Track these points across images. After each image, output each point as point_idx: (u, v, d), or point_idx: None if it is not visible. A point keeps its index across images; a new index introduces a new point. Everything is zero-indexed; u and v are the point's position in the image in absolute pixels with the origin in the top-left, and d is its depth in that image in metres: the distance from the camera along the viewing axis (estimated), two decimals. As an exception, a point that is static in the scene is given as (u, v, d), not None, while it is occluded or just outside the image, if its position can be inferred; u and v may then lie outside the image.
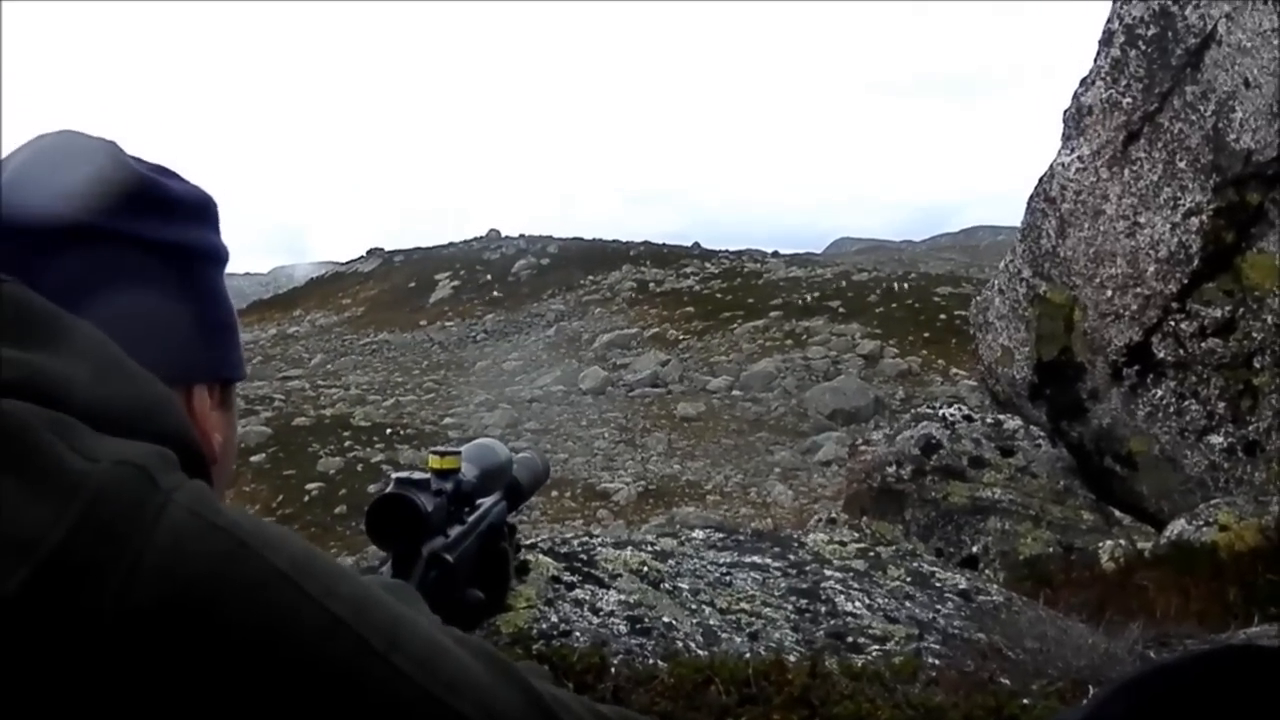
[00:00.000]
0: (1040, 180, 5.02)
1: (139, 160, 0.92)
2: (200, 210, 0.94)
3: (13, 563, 0.62)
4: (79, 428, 0.71)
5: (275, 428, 20.28)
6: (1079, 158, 4.73)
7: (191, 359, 0.92)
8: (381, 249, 41.99)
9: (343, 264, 44.10)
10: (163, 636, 0.64)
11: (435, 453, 1.40)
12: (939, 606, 2.37)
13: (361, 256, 42.52)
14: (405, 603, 1.20)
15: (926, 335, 24.34)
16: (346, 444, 19.24)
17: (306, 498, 17.30)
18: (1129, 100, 4.67)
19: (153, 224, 0.88)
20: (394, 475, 1.30)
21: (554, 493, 16.09)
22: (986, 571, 3.48)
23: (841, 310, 26.42)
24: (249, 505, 15.63)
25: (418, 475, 1.31)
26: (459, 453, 1.45)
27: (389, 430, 20.03)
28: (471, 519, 1.53)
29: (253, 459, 18.49)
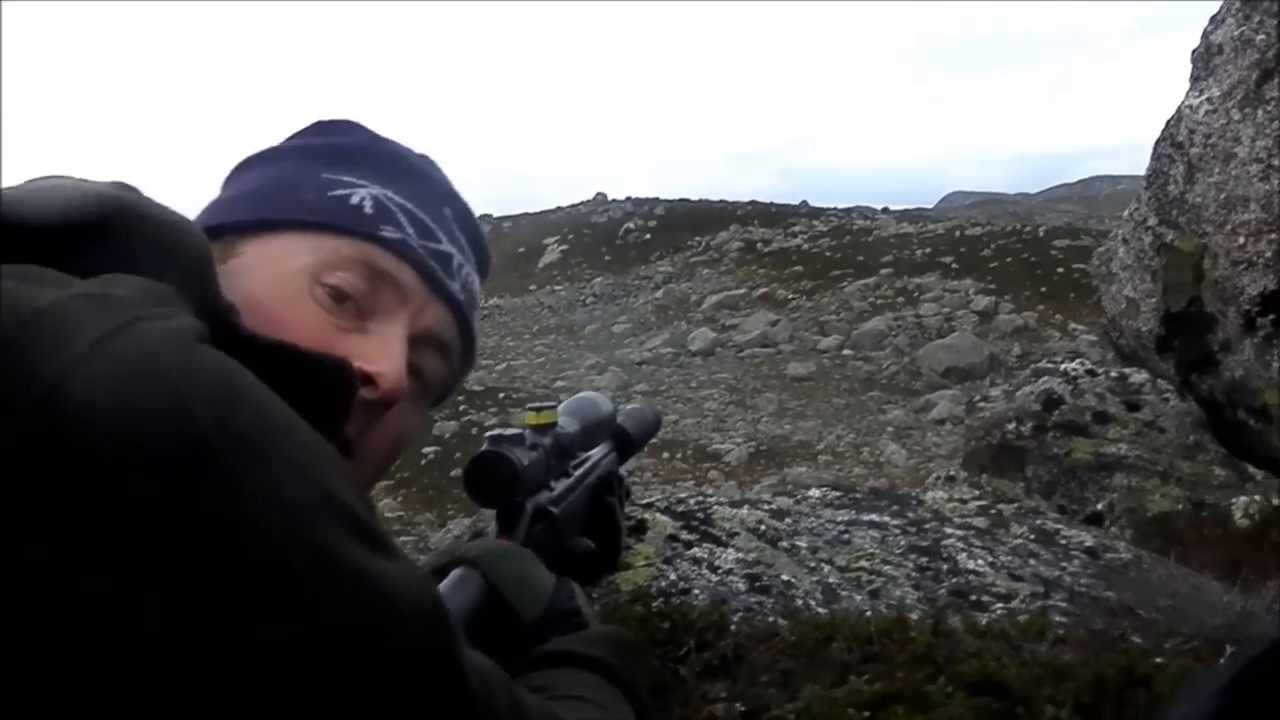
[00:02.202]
0: (1166, 125, 4.82)
1: None
2: None
3: None
4: (61, 277, 0.67)
5: (392, 393, 20.66)
6: (1208, 100, 4.52)
7: None
8: (490, 215, 42.40)
9: (453, 231, 44.37)
10: (31, 488, 0.57)
11: (531, 408, 1.40)
12: (1064, 564, 2.31)
13: (471, 223, 42.71)
14: (507, 561, 1.20)
15: (1043, 290, 23.70)
16: (461, 408, 19.54)
17: (423, 461, 17.64)
18: (1263, 37, 4.44)
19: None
20: (489, 433, 1.30)
21: (665, 454, 16.15)
22: (1112, 529, 3.39)
23: (954, 266, 25.88)
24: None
25: (512, 431, 1.31)
26: (554, 407, 1.45)
27: (501, 394, 20.29)
28: (578, 472, 1.53)
29: (371, 424, 18.91)
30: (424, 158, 1.16)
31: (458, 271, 1.09)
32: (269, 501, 0.62)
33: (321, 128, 1.14)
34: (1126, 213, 5.02)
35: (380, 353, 0.99)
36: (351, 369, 0.92)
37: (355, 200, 1.04)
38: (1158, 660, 1.63)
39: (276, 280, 0.98)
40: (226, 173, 1.14)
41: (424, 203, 1.08)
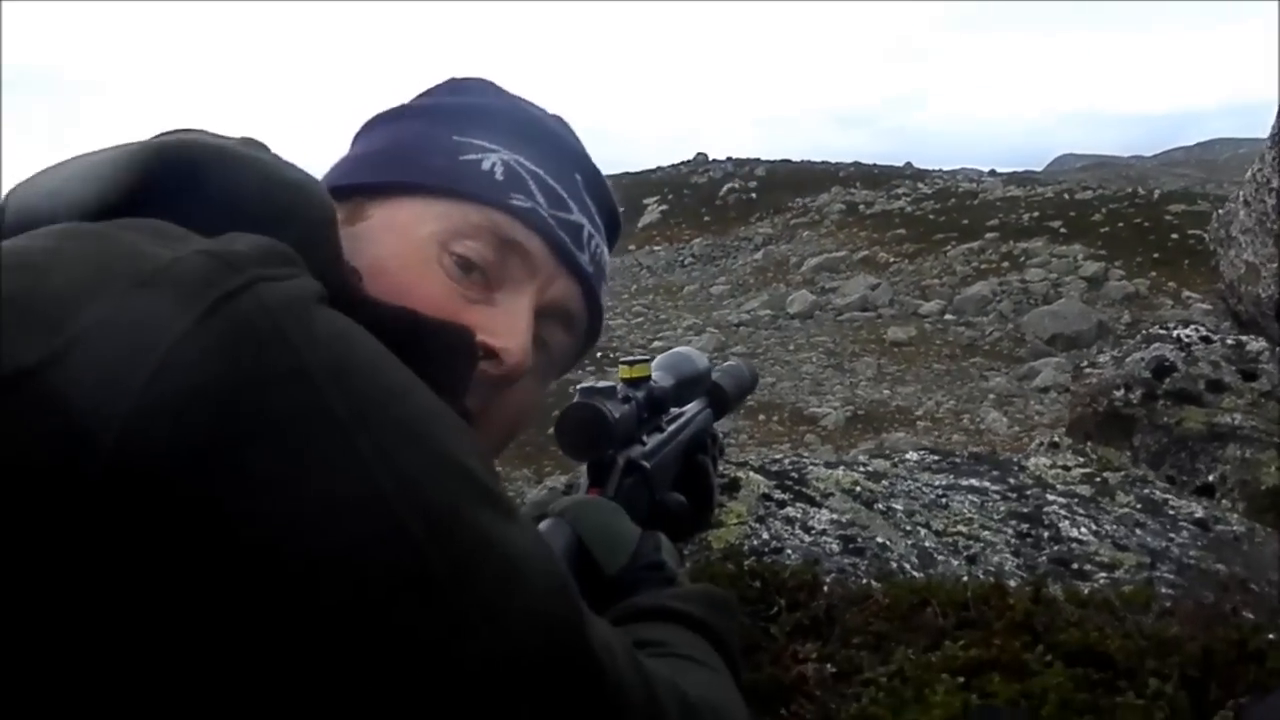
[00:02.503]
0: (1294, 82, 4.59)
1: None
2: None
3: (40, 337, 0.57)
4: (182, 232, 0.67)
5: (491, 351, 20.89)
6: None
7: None
8: (590, 175, 42.16)
9: (552, 191, 44.61)
10: (160, 450, 0.56)
11: (625, 362, 1.39)
12: (1172, 535, 2.24)
13: (571, 183, 42.89)
14: (591, 513, 1.19)
15: (1156, 256, 22.94)
16: (559, 367, 19.67)
17: (521, 419, 17.83)
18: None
19: None
20: (580, 385, 1.29)
21: (761, 417, 16.08)
22: (1224, 502, 3.27)
23: (1063, 230, 25.18)
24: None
25: (604, 384, 1.29)
26: (648, 360, 1.44)
27: (599, 354, 20.37)
28: (671, 428, 1.51)
29: (470, 381, 19.14)
30: (557, 119, 1.14)
31: (587, 242, 1.07)
32: (384, 466, 0.61)
33: (453, 86, 1.13)
34: (1249, 174, 4.81)
35: (506, 326, 0.97)
36: (473, 338, 0.91)
37: (486, 166, 1.02)
38: (1270, 636, 1.57)
39: (403, 246, 0.97)
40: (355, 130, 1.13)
41: (555, 168, 1.06)
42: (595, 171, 1.13)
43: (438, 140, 1.04)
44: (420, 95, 1.13)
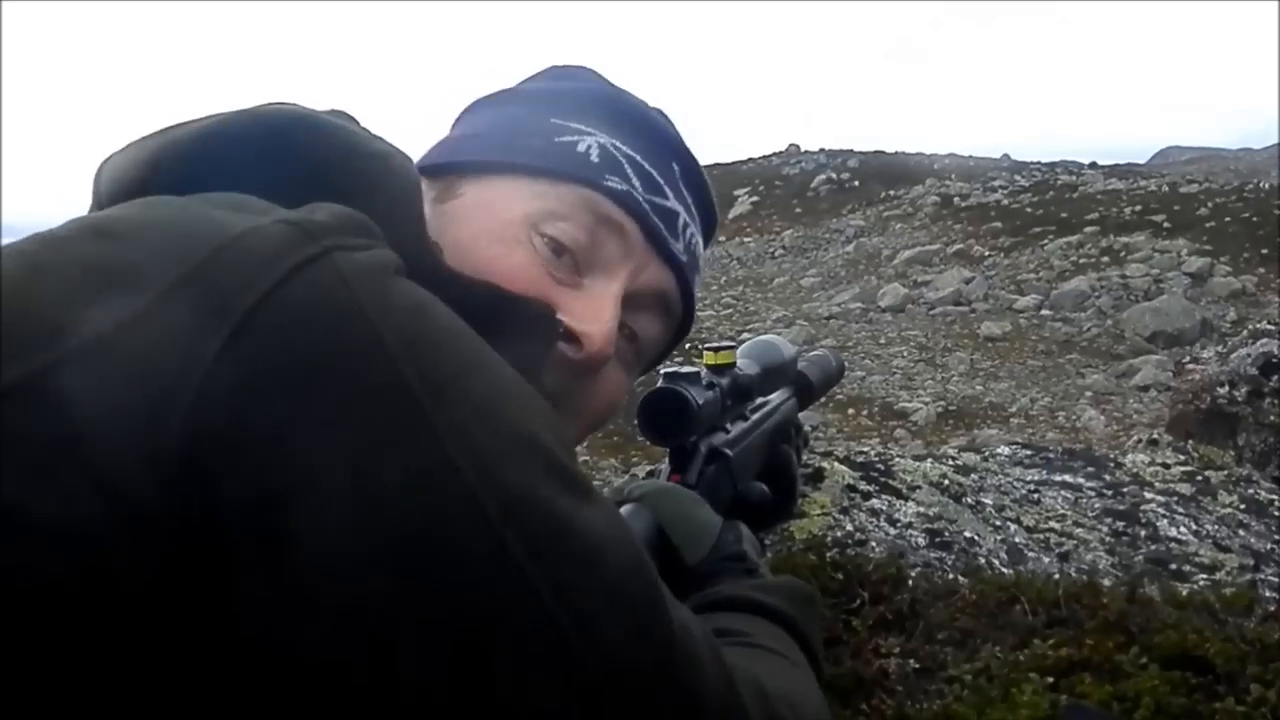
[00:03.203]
0: None
1: None
2: None
3: (118, 301, 0.58)
4: (264, 204, 0.67)
5: (580, 340, 21.02)
6: None
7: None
8: (682, 166, 42.19)
9: (644, 181, 44.78)
10: (234, 421, 0.56)
11: (709, 348, 1.36)
12: (1278, 537, 2.15)
13: (663, 174, 43.02)
14: (671, 501, 1.17)
15: (1264, 252, 22.16)
16: (647, 357, 19.70)
17: (609, 408, 17.91)
18: None
19: None
20: (664, 370, 1.27)
21: (850, 411, 15.92)
22: (1333, 505, 3.14)
23: (1166, 225, 24.49)
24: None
25: (688, 369, 1.27)
26: (733, 347, 1.41)
27: (688, 344, 20.26)
28: (755, 416, 1.48)
29: (559, 370, 19.26)
30: (658, 111, 1.12)
31: (682, 231, 1.05)
32: (460, 442, 0.60)
33: (556, 73, 1.12)
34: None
35: (591, 312, 0.96)
36: (553, 314, 0.90)
37: (582, 148, 1.00)
38: (1381, 644, 1.49)
39: (493, 224, 0.96)
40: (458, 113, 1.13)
41: (652, 156, 1.05)
42: (694, 162, 1.11)
43: (535, 122, 1.03)
44: (523, 80, 1.12)
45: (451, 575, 0.59)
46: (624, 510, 1.15)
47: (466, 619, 0.60)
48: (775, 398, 1.62)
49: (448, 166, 1.01)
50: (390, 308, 0.62)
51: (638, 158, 1.03)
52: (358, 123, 0.84)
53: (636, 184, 1.01)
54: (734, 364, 1.40)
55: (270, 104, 0.82)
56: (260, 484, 0.56)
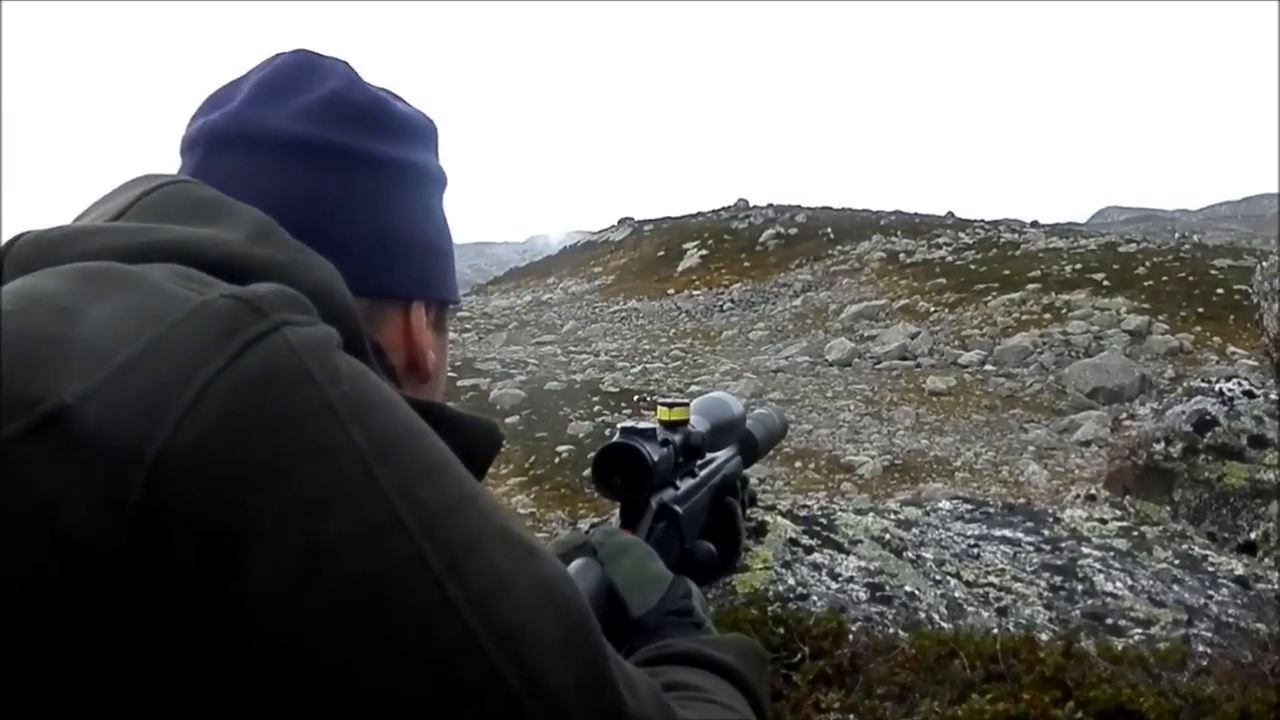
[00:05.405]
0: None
1: (368, 82, 0.94)
2: (424, 133, 0.97)
3: (79, 372, 0.60)
4: (207, 278, 0.69)
5: (529, 391, 20.97)
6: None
7: (413, 275, 0.93)
8: (631, 218, 42.68)
9: (594, 233, 45.15)
10: (194, 481, 0.59)
11: (664, 404, 1.37)
12: (1211, 592, 2.18)
13: (613, 225, 43.42)
14: (624, 553, 1.18)
15: (1201, 310, 22.67)
16: (596, 409, 19.69)
17: (557, 459, 17.83)
18: None
19: (382, 143, 0.90)
20: (620, 425, 1.28)
21: (797, 464, 15.98)
22: (1266, 560, 3.19)
23: (1106, 283, 24.97)
24: (503, 465, 16.24)
25: (644, 425, 1.28)
26: (687, 404, 1.42)
27: (636, 397, 20.39)
28: (703, 473, 1.49)
29: (507, 420, 19.19)
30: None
31: None
32: (405, 500, 0.63)
33: None
34: (1294, 228, 4.76)
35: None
36: (497, 432, 0.92)
37: None
38: (1311, 699, 1.52)
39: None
40: None
41: None
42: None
43: None
44: None
45: (397, 627, 0.61)
46: (576, 563, 1.15)
47: (412, 670, 0.62)
48: (722, 455, 1.63)
49: None
50: (338, 376, 0.65)
51: None
52: (204, 185, 0.83)
53: None
54: (688, 420, 1.41)
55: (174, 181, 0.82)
56: (213, 543, 0.59)
